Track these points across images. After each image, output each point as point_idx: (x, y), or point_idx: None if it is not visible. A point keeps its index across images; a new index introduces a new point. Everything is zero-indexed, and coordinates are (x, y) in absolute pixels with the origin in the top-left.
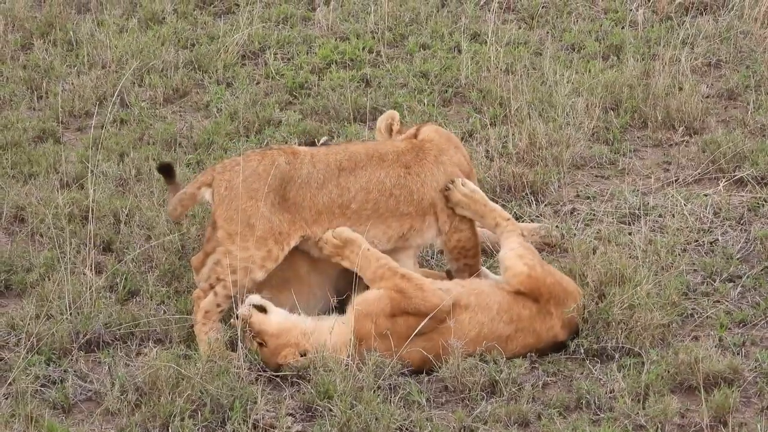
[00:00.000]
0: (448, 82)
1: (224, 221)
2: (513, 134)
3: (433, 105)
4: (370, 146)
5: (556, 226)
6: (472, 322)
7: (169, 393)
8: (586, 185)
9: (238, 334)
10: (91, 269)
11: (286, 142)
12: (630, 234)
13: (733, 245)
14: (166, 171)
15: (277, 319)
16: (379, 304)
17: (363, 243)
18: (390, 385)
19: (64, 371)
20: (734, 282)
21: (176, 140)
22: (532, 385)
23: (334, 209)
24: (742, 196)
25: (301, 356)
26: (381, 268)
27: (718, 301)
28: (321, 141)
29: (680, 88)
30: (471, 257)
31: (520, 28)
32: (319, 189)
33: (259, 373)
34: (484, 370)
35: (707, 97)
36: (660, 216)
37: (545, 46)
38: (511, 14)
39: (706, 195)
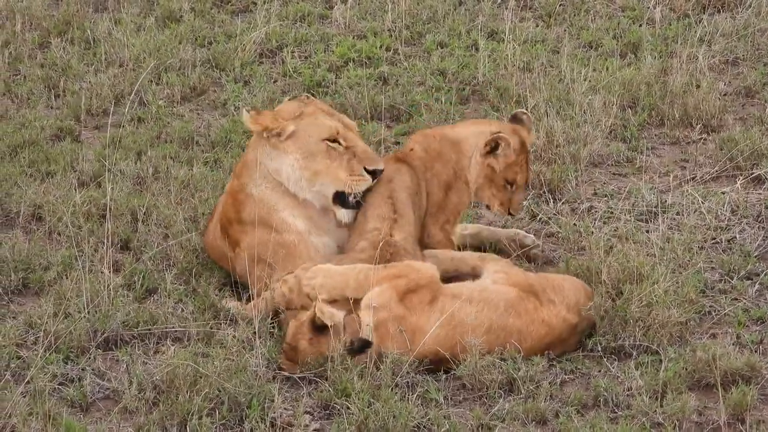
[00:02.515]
0: (466, 80)
1: None
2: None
3: (451, 103)
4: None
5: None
6: (480, 317)
7: (187, 391)
8: (604, 183)
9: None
10: (108, 267)
11: None
12: (647, 232)
13: (750, 243)
14: None
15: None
16: (385, 295)
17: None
18: (408, 383)
19: (82, 369)
20: (752, 279)
21: (194, 138)
22: (549, 383)
23: None
24: (760, 193)
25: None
26: (360, 273)
27: (736, 299)
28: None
29: (698, 86)
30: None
31: (537, 25)
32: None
33: (277, 371)
34: (501, 368)
35: (725, 94)
36: (677, 214)
37: (563, 43)
38: (528, 12)
39: (723, 193)
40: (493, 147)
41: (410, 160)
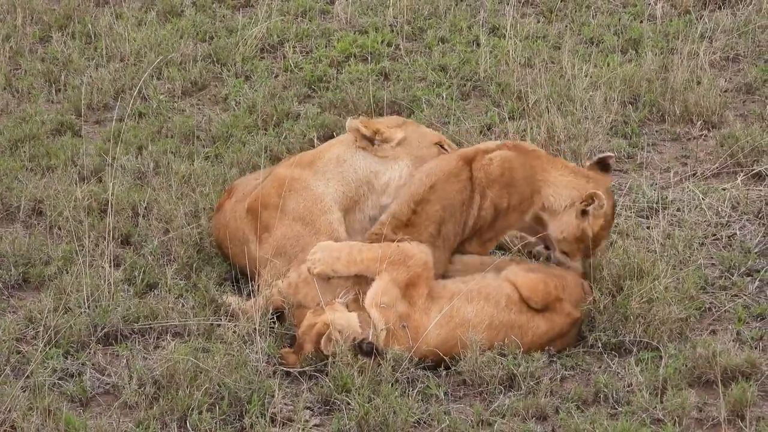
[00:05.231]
0: (467, 76)
1: None
2: (531, 128)
3: (452, 98)
4: None
5: None
6: (480, 314)
7: (187, 386)
8: None
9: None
10: (109, 262)
11: (305, 136)
12: (648, 228)
13: (751, 239)
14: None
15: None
16: (390, 293)
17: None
18: (408, 378)
19: (82, 364)
20: (752, 276)
21: (194, 133)
22: (550, 379)
23: None
24: (761, 190)
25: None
26: (354, 248)
27: (736, 295)
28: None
29: (698, 82)
30: None
31: (538, 21)
32: None
33: (277, 366)
34: (502, 363)
35: (725, 91)
36: (678, 210)
37: (564, 39)
38: (529, 8)
39: (724, 189)
40: (586, 205)
41: (475, 170)
